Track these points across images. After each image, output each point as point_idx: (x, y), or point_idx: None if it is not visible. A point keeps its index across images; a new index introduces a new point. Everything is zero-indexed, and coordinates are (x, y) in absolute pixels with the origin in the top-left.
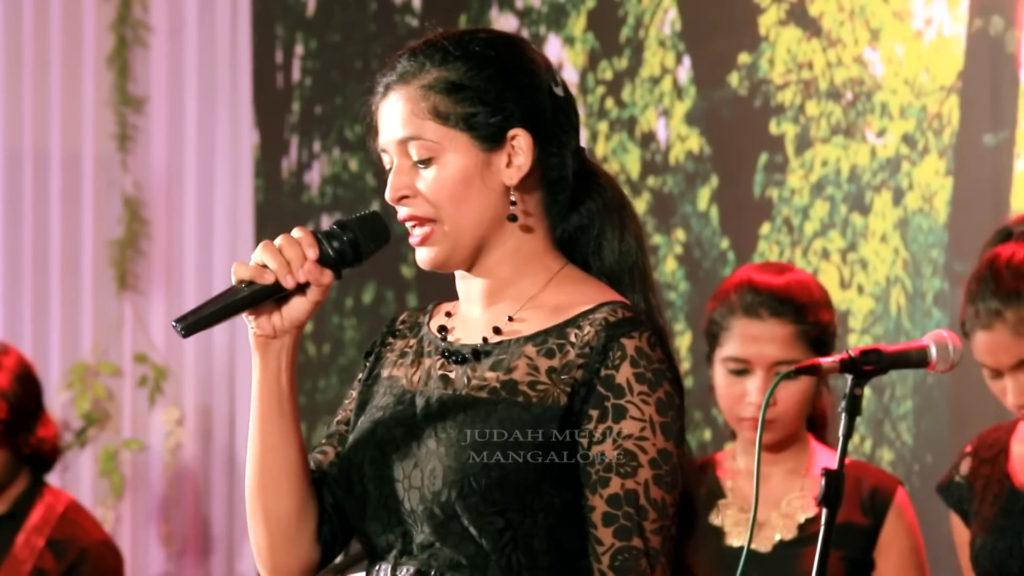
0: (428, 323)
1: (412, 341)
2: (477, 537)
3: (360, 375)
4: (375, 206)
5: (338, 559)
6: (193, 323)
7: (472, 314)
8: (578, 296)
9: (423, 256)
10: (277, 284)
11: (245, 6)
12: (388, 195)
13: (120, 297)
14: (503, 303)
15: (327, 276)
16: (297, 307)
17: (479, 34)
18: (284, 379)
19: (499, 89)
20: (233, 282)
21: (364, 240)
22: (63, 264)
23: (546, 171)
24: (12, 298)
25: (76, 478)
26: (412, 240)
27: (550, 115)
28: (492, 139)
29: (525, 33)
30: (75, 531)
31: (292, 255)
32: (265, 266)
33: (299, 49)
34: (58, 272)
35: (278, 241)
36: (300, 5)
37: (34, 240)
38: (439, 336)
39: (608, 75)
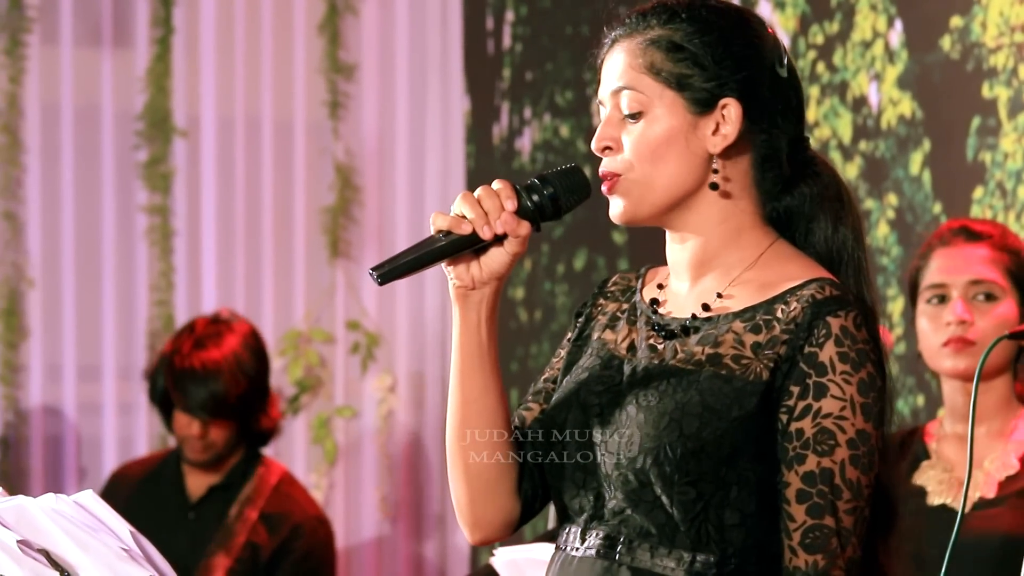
0: (641, 291)
1: (624, 305)
2: (668, 506)
3: (569, 334)
4: (587, 173)
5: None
6: (389, 271)
7: (681, 288)
8: (786, 272)
9: (612, 208)
10: (474, 234)
11: None
12: (593, 144)
13: (332, 264)
14: (710, 277)
15: (524, 227)
16: (496, 258)
17: (710, 1)
18: (484, 331)
19: (718, 56)
20: (431, 232)
21: (564, 194)
22: (275, 231)
23: (754, 147)
24: (225, 266)
25: (289, 445)
26: (603, 189)
27: (767, 92)
28: (702, 104)
29: None
30: (288, 505)
31: (490, 206)
32: (463, 217)
33: (509, 15)
34: (271, 240)
35: (478, 192)
36: None
37: (247, 208)
38: (651, 308)
39: (819, 39)
